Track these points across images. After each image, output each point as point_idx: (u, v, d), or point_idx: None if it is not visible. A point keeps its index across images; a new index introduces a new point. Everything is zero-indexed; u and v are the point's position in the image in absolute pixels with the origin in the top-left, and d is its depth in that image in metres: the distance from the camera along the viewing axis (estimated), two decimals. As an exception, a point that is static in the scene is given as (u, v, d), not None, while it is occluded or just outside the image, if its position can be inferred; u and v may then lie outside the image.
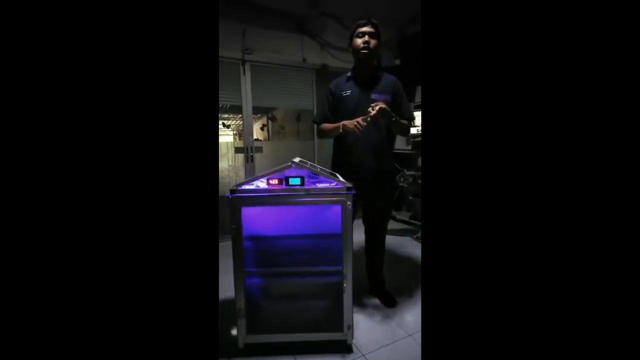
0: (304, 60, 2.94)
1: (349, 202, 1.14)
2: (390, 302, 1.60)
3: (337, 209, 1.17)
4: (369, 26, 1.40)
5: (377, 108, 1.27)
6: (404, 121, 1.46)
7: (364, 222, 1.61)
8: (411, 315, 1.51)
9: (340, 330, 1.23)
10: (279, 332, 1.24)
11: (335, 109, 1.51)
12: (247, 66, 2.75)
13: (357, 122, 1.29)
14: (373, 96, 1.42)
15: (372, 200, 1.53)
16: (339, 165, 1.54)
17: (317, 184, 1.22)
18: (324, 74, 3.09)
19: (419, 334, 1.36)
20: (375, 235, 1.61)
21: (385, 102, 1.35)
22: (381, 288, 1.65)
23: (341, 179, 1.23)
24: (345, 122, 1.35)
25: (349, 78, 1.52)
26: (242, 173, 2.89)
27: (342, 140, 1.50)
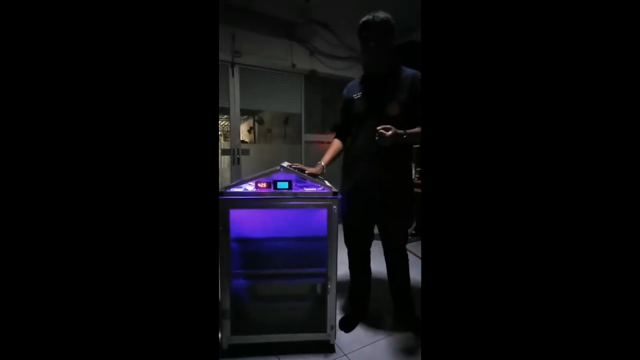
0: (293, 65, 2.98)
1: (334, 206, 1.19)
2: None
3: (323, 212, 1.21)
4: (371, 28, 1.22)
5: (380, 132, 1.15)
6: (419, 129, 1.24)
7: (383, 243, 1.43)
8: (390, 316, 1.56)
9: (324, 330, 1.26)
10: (263, 332, 1.26)
11: (346, 114, 1.40)
12: (236, 69, 2.77)
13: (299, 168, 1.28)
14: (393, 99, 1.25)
15: (388, 218, 1.35)
16: (346, 180, 1.40)
17: (305, 188, 1.25)
18: (312, 79, 3.14)
19: (399, 334, 1.42)
20: (395, 256, 1.46)
21: (399, 103, 1.23)
22: (411, 314, 1.48)
23: (328, 183, 1.28)
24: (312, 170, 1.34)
25: (362, 79, 1.37)
26: (227, 175, 2.88)
27: (349, 152, 1.39)
